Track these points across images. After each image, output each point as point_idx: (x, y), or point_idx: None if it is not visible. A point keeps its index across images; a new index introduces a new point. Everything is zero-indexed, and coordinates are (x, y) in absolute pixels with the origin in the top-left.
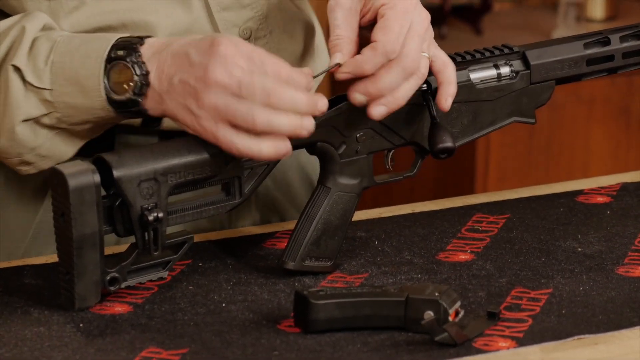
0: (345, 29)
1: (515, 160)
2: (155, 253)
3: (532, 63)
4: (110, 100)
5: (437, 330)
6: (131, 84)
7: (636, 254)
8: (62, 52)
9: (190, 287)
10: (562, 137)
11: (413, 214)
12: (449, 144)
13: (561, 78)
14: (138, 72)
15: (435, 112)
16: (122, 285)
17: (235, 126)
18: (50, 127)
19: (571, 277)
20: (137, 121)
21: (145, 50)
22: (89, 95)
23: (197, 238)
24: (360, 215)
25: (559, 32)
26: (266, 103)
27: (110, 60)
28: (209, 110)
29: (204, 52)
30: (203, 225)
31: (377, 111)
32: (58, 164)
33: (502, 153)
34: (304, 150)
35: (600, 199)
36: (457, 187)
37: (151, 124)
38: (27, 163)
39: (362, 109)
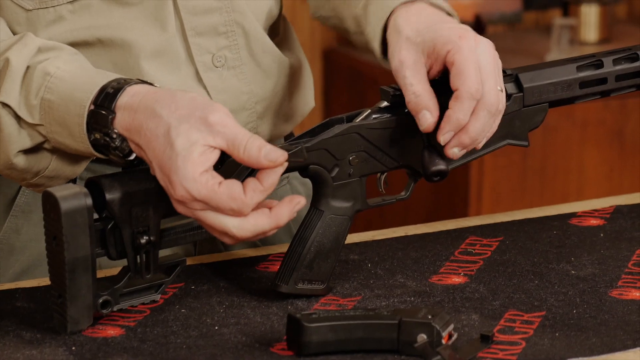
0: (419, 83)
1: (509, 183)
2: (148, 276)
3: (525, 86)
4: (97, 148)
5: (430, 353)
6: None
7: (629, 276)
8: (52, 90)
9: (183, 310)
10: (555, 160)
11: (406, 237)
12: (442, 167)
13: (554, 101)
14: (117, 142)
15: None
16: (115, 309)
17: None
18: (52, 150)
19: (564, 299)
20: None
21: (117, 124)
22: (77, 140)
23: (190, 261)
24: (353, 238)
25: (553, 55)
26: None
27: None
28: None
29: (167, 161)
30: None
31: (458, 153)
32: (51, 187)
33: (495, 176)
34: (296, 173)
35: (594, 222)
36: (450, 210)
37: None
38: (36, 185)
39: (354, 131)
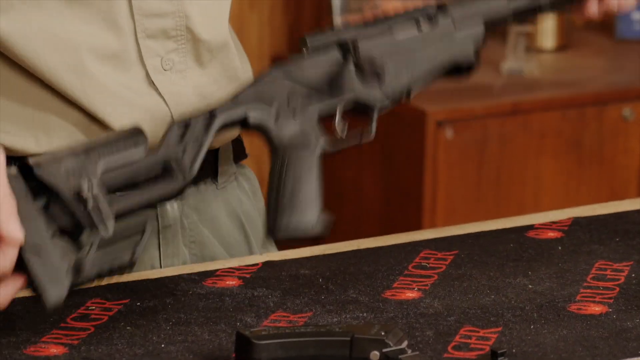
0: None
1: (463, 194)
2: (106, 231)
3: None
4: None
5: None
6: None
7: (588, 290)
8: None
9: (128, 328)
10: (512, 171)
11: (358, 251)
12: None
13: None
14: None
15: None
16: (86, 274)
17: None
18: None
19: (521, 314)
20: None
21: None
22: None
23: (134, 277)
24: (303, 252)
25: (509, 64)
26: None
27: None
28: None
29: None
30: (136, 267)
31: None
32: None
33: (450, 187)
34: (232, 184)
35: (551, 234)
36: (404, 222)
37: None
38: None
39: (282, 77)
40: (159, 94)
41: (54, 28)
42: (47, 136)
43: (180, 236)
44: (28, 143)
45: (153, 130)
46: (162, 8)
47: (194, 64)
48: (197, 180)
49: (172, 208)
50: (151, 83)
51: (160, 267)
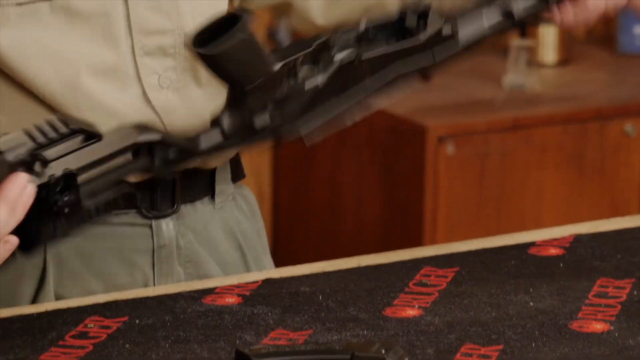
0: None
1: (465, 210)
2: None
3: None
4: None
5: None
6: None
7: (590, 308)
8: None
9: (127, 345)
10: (513, 186)
11: (359, 268)
12: None
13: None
14: None
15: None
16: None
17: None
18: None
19: (523, 332)
20: None
21: None
22: None
23: (133, 294)
24: (303, 269)
25: (510, 78)
26: None
27: None
28: None
29: None
30: (128, 284)
31: None
32: None
33: (451, 202)
34: (230, 204)
35: (553, 251)
36: (404, 238)
37: None
38: None
39: None
40: (155, 111)
41: (52, 43)
42: None
43: (176, 255)
44: None
45: None
46: (160, 25)
47: (191, 82)
48: (194, 199)
49: (167, 227)
50: (147, 100)
51: (154, 285)
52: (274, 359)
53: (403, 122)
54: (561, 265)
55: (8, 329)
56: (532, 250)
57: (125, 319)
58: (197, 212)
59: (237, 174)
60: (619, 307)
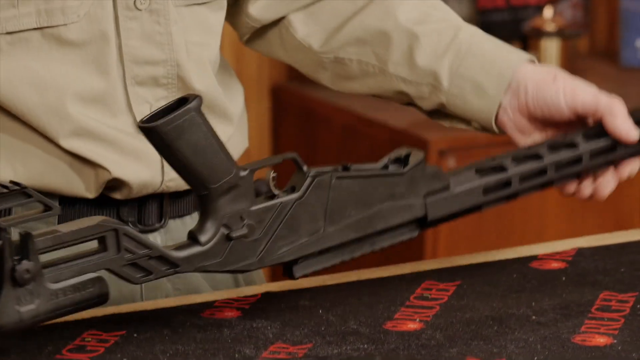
0: None
1: (466, 225)
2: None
3: None
4: None
5: None
6: None
7: (593, 321)
8: None
9: (125, 359)
10: (515, 201)
11: (359, 282)
12: None
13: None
14: None
15: None
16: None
17: None
18: None
19: (525, 346)
20: None
21: None
22: None
23: (131, 308)
24: (303, 282)
25: None
26: None
27: None
28: None
29: None
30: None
31: None
32: None
33: None
34: None
35: (555, 265)
36: (405, 252)
37: None
38: None
39: None
40: (145, 140)
41: (39, 68)
42: (24, 167)
43: None
44: (5, 174)
45: (142, 171)
46: (153, 56)
47: None
48: (182, 214)
49: (155, 241)
50: (138, 129)
51: (142, 300)
52: None
53: (404, 136)
54: (564, 278)
55: (5, 343)
56: (534, 264)
57: (123, 332)
58: (186, 226)
59: None
60: (622, 320)
